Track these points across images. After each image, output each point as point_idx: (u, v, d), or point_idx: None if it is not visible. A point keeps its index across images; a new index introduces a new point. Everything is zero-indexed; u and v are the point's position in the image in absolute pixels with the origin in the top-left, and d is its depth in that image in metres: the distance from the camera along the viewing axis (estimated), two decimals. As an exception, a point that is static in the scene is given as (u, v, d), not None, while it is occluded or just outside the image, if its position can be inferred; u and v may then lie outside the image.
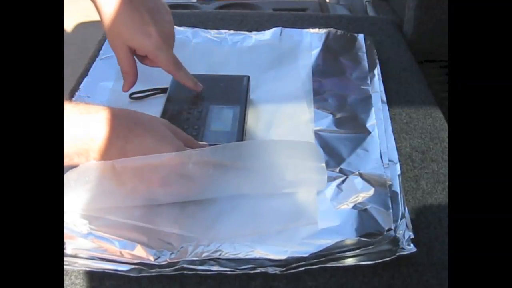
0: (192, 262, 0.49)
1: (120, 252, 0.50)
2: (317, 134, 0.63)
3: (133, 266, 0.49)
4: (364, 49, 0.78)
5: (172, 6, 1.16)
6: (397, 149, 0.62)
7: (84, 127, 0.50)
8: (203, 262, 0.49)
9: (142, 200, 0.53)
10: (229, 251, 0.50)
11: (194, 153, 0.52)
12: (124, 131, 0.51)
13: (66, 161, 0.49)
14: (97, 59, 0.76)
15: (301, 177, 0.55)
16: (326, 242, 0.50)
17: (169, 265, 0.49)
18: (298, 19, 0.88)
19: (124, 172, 0.50)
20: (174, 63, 0.64)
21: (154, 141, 0.51)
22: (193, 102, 0.65)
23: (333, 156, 0.60)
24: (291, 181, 0.55)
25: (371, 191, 0.55)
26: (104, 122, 0.50)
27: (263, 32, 0.82)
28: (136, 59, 0.64)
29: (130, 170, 0.50)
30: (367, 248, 0.50)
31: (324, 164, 0.56)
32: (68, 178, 0.50)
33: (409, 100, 0.72)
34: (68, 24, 1.68)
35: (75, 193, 0.51)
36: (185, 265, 0.49)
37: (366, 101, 0.68)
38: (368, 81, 0.71)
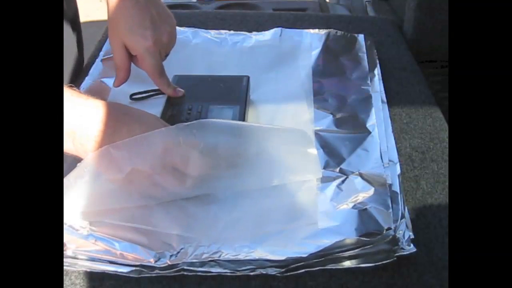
0: (192, 263, 0.49)
1: (121, 254, 0.50)
2: (317, 134, 0.63)
3: (133, 268, 0.50)
4: (364, 49, 0.78)
5: (172, 6, 1.17)
6: (397, 149, 0.62)
7: (72, 109, 0.50)
8: (203, 263, 0.50)
9: (139, 193, 0.53)
10: (229, 252, 0.50)
11: (182, 126, 0.52)
12: (112, 119, 0.51)
13: None
14: (97, 59, 0.76)
15: (294, 160, 0.55)
16: (326, 242, 0.50)
17: (169, 267, 0.49)
18: (298, 19, 0.88)
19: (120, 159, 0.50)
20: (159, 71, 0.64)
21: (143, 130, 0.51)
22: (193, 102, 0.65)
23: (333, 156, 0.60)
24: (285, 163, 0.55)
25: (371, 191, 0.55)
26: (93, 109, 0.51)
27: (263, 32, 0.82)
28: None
29: (126, 156, 0.50)
30: (367, 247, 0.50)
31: (315, 150, 0.56)
32: (69, 178, 0.51)
33: (409, 100, 0.72)
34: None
35: (76, 191, 0.51)
36: (185, 267, 0.49)
37: (366, 101, 0.68)
38: (368, 81, 0.71)
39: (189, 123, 0.53)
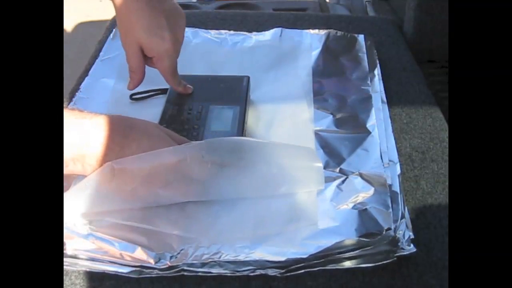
0: (192, 264, 0.49)
1: (121, 254, 0.50)
2: (317, 134, 0.63)
3: (133, 269, 0.50)
4: (364, 50, 0.78)
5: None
6: (397, 149, 0.62)
7: (80, 133, 0.50)
8: (203, 264, 0.49)
9: (142, 202, 0.53)
10: (229, 253, 0.50)
11: (190, 146, 0.52)
12: (120, 136, 0.51)
13: None
14: (97, 60, 0.76)
15: (299, 174, 0.55)
16: (326, 242, 0.50)
17: (169, 268, 0.49)
18: (298, 19, 0.88)
19: (123, 174, 0.50)
20: (173, 71, 0.64)
21: (151, 144, 0.51)
22: (193, 102, 0.65)
23: (333, 156, 0.60)
24: (289, 177, 0.55)
25: (371, 191, 0.55)
26: (100, 128, 0.50)
27: (263, 32, 0.82)
28: None
29: (130, 172, 0.50)
30: (367, 248, 0.50)
31: (321, 164, 0.55)
32: (69, 191, 0.51)
33: (409, 100, 0.72)
34: (68, 24, 1.67)
35: (75, 199, 0.51)
36: (185, 267, 0.49)
37: (366, 101, 0.68)
38: (368, 81, 0.71)
39: (196, 143, 0.53)
